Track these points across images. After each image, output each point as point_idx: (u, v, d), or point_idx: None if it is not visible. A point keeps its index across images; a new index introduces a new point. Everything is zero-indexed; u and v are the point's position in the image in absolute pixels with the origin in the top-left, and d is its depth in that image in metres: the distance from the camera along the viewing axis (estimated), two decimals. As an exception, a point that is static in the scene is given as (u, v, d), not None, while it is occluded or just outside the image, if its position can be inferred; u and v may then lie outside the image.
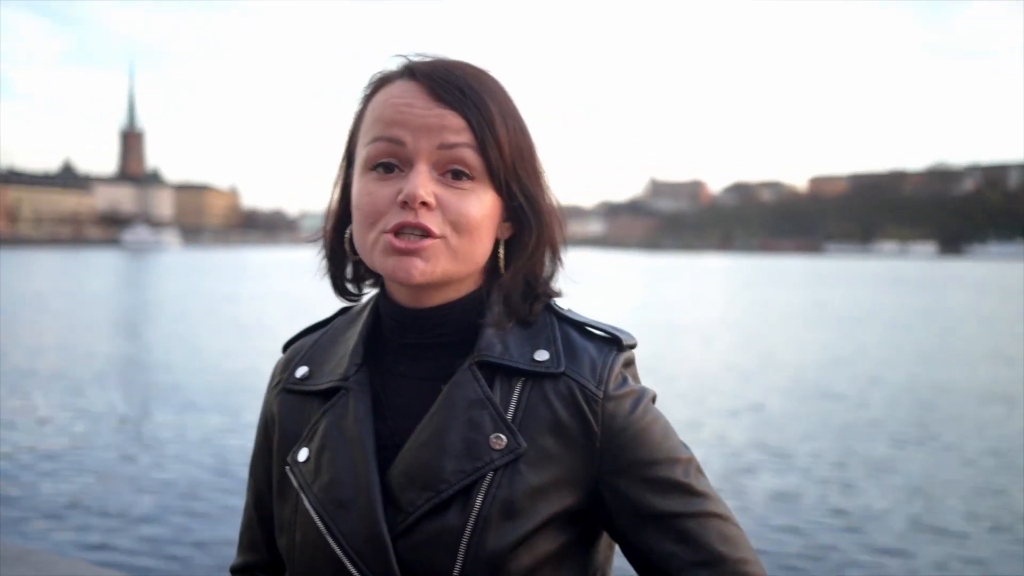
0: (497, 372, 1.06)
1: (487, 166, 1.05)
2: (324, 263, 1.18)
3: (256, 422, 1.25)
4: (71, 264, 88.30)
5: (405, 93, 1.05)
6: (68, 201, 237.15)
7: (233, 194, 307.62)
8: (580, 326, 1.12)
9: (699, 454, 1.05)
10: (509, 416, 1.04)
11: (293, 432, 1.14)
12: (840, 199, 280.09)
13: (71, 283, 52.57)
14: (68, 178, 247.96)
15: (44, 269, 75.41)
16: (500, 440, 1.02)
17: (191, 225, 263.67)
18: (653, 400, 1.11)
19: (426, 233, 1.02)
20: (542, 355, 1.07)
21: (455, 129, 1.03)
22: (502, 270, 1.12)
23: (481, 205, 1.05)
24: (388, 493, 1.03)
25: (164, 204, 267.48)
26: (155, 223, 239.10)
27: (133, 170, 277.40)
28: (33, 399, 14.33)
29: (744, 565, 1.04)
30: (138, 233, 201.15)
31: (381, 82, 1.10)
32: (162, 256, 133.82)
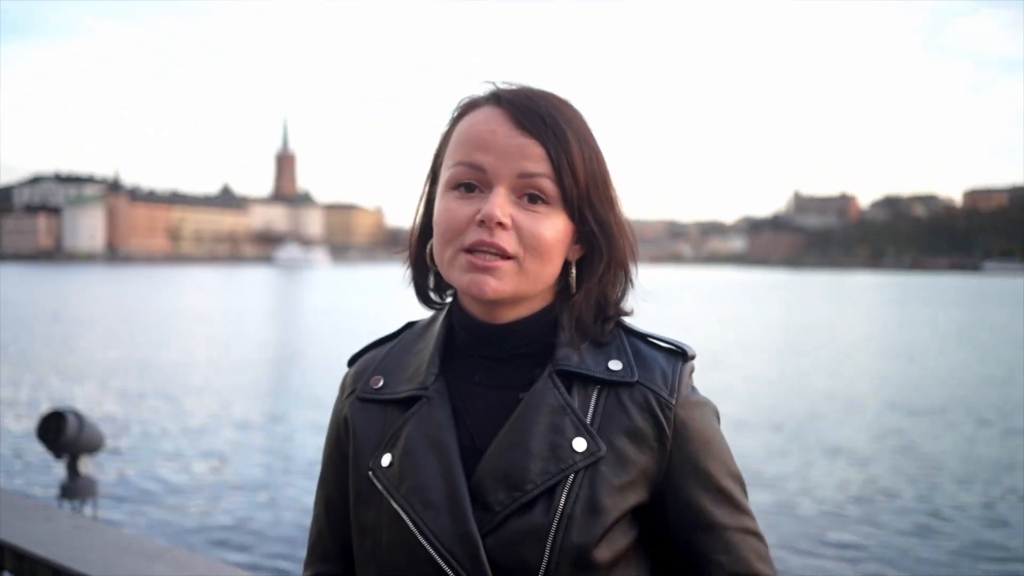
0: (574, 380, 1.14)
1: (562, 194, 1.11)
2: (409, 273, 1.24)
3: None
4: (230, 279, 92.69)
5: (489, 119, 1.12)
6: (226, 221, 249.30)
7: (378, 213, 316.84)
8: (644, 338, 1.20)
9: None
10: (588, 421, 1.12)
11: (371, 439, 1.18)
12: (999, 214, 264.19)
13: (233, 297, 55.21)
14: (227, 199, 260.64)
15: (206, 283, 79.45)
16: (581, 444, 1.10)
17: (339, 243, 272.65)
18: (716, 415, 1.20)
19: (500, 253, 1.09)
20: (616, 365, 1.15)
21: (534, 158, 1.10)
22: (573, 290, 1.17)
23: (554, 229, 1.11)
24: (473, 494, 1.09)
25: (314, 223, 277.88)
26: (305, 241, 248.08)
27: (286, 191, 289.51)
28: (191, 407, 15.13)
29: None
30: (290, 251, 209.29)
31: (468, 107, 1.17)
32: (312, 272, 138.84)
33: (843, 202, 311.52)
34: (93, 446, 6.51)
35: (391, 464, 1.14)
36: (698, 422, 1.15)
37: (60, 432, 6.23)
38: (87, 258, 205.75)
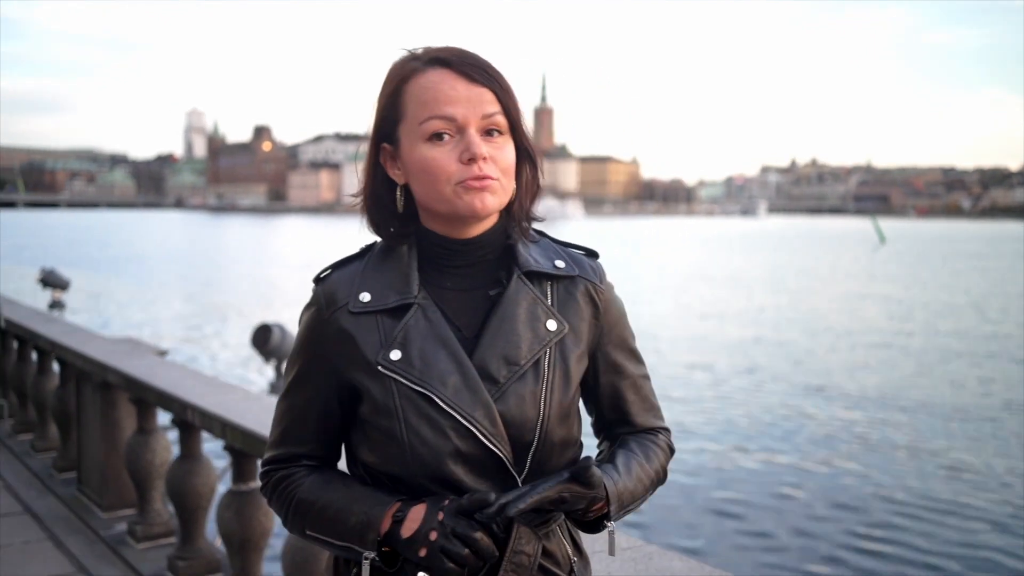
0: (534, 277, 1.44)
1: (510, 124, 1.40)
2: (369, 217, 1.48)
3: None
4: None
5: (446, 78, 1.37)
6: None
7: (634, 165, 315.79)
8: (566, 244, 1.55)
9: None
10: (552, 306, 1.44)
11: (371, 342, 1.39)
12: None
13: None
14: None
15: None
16: (553, 324, 1.42)
17: (593, 196, 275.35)
18: None
19: (487, 178, 1.36)
20: (560, 263, 1.47)
21: (490, 102, 1.37)
22: (513, 197, 1.44)
23: (512, 153, 1.40)
24: (478, 372, 1.37)
25: (570, 176, 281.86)
26: (561, 194, 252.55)
27: (543, 145, 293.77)
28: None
29: (661, 411, 1.60)
30: (546, 204, 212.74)
31: (409, 74, 1.39)
32: (567, 225, 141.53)
33: None
34: (294, 354, 8.18)
35: (400, 358, 1.37)
36: (615, 302, 1.53)
37: (267, 341, 7.75)
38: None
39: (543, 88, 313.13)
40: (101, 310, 25.36)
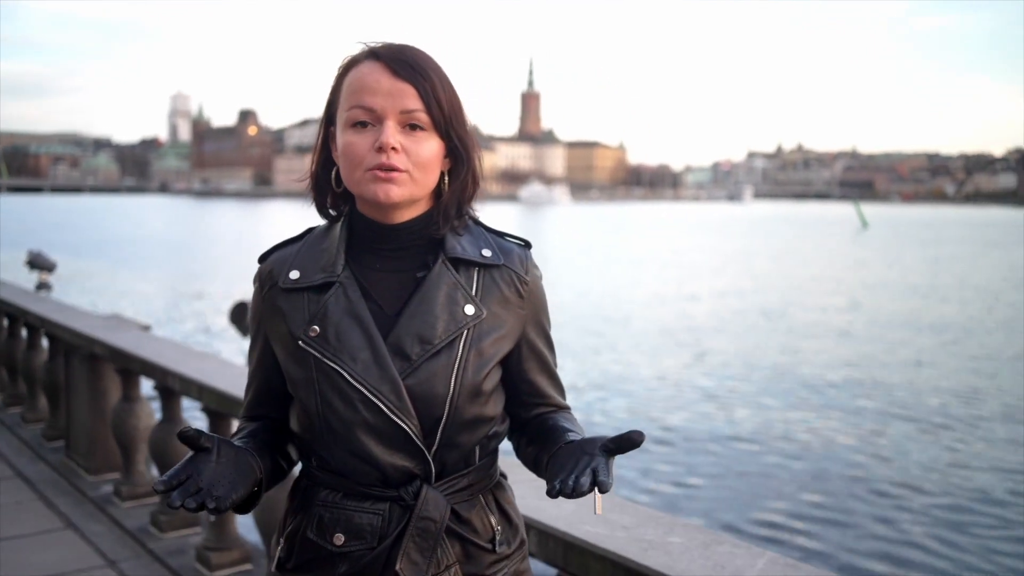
0: (460, 264, 1.52)
1: (433, 121, 1.46)
2: (312, 193, 1.59)
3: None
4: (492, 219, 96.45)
5: (373, 71, 1.46)
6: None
7: (621, 150, 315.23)
8: (500, 234, 1.62)
9: None
10: (473, 293, 1.51)
11: (298, 318, 1.49)
12: None
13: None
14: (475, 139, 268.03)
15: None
16: (471, 309, 1.49)
17: (580, 181, 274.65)
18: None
19: (395, 170, 1.44)
20: (487, 252, 1.54)
21: (411, 97, 1.44)
22: (444, 192, 1.54)
23: (431, 148, 1.46)
24: (392, 349, 1.45)
25: (556, 161, 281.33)
26: (548, 179, 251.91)
27: (530, 130, 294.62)
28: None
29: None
30: (533, 189, 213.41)
31: (351, 64, 1.50)
32: (554, 210, 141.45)
33: None
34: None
35: (318, 334, 1.46)
36: (539, 291, 1.60)
37: (244, 317, 8.14)
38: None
39: (530, 73, 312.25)
40: (86, 291, 25.71)
